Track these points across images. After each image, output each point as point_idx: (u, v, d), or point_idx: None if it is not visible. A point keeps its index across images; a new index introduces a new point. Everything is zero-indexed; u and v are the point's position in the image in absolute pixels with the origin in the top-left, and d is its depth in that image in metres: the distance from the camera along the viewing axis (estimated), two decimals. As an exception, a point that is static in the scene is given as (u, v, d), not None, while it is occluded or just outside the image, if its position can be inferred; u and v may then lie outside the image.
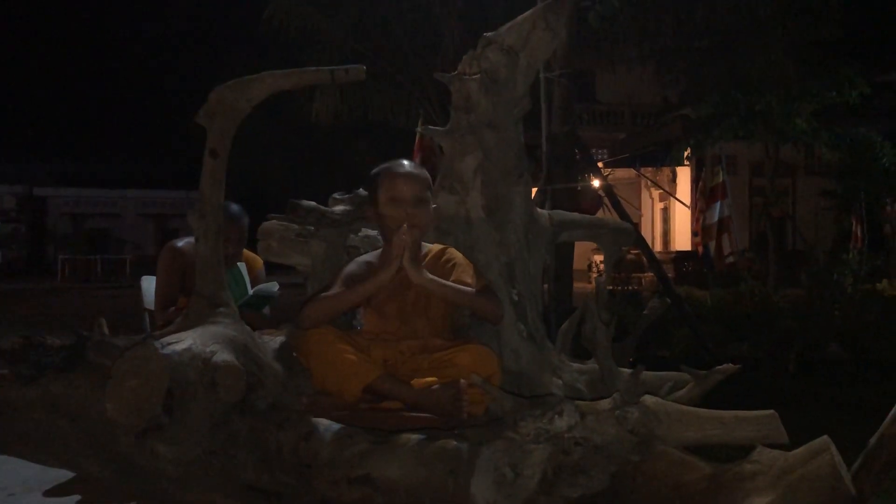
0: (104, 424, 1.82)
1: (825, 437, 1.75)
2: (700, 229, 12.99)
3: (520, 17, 2.57)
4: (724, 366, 2.19)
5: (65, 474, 2.52)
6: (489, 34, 2.56)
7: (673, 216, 22.49)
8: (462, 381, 1.98)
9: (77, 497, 2.63)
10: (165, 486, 1.96)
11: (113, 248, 27.80)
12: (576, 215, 3.02)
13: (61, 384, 1.93)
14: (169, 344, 1.76)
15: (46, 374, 1.95)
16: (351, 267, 2.31)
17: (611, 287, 9.02)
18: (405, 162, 2.29)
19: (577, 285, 10.01)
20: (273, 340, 2.21)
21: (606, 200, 6.89)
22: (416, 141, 9.16)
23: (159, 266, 3.55)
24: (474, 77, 2.48)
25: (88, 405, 1.88)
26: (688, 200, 20.13)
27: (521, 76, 2.53)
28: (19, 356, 1.99)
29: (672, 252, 19.94)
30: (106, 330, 2.18)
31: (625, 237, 3.02)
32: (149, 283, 3.78)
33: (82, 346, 1.96)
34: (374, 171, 2.29)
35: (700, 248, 13.60)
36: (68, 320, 8.64)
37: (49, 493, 2.72)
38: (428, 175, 2.31)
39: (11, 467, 2.47)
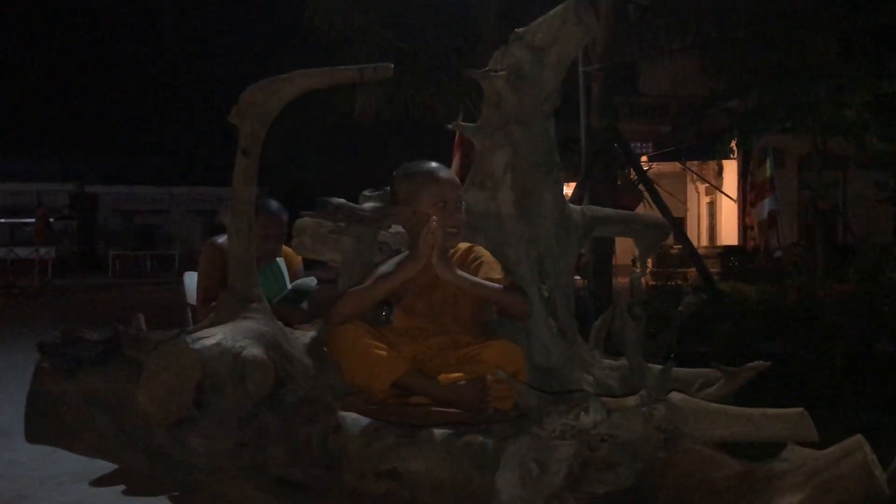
0: (139, 417, 1.87)
1: (859, 436, 1.72)
2: (755, 225, 12.83)
3: (551, 12, 2.56)
4: (755, 363, 2.16)
5: (111, 465, 2.59)
6: (519, 30, 2.55)
7: (719, 210, 22.11)
8: (488, 376, 1.99)
9: (121, 487, 2.70)
10: (199, 477, 2.01)
11: (161, 244, 28.36)
12: (609, 210, 2.99)
13: (98, 378, 1.99)
14: (200, 339, 1.80)
15: (84, 367, 2.01)
16: (383, 267, 2.33)
17: (654, 282, 8.92)
18: (439, 165, 2.35)
19: (622, 280, 9.92)
20: (305, 335, 2.25)
21: (647, 195, 6.83)
22: (456, 137, 9.15)
23: (201, 262, 3.62)
24: (501, 73, 2.48)
25: (124, 398, 1.94)
26: (734, 194, 19.79)
27: (551, 71, 2.51)
28: (58, 350, 2.06)
29: (718, 247, 19.61)
30: (143, 325, 2.23)
31: (659, 232, 3.00)
32: (191, 279, 3.85)
33: (118, 340, 2.02)
34: (412, 171, 2.32)
35: (755, 243, 13.39)
36: (117, 314, 8.84)
37: (95, 483, 2.80)
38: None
39: (60, 457, 2.54)
